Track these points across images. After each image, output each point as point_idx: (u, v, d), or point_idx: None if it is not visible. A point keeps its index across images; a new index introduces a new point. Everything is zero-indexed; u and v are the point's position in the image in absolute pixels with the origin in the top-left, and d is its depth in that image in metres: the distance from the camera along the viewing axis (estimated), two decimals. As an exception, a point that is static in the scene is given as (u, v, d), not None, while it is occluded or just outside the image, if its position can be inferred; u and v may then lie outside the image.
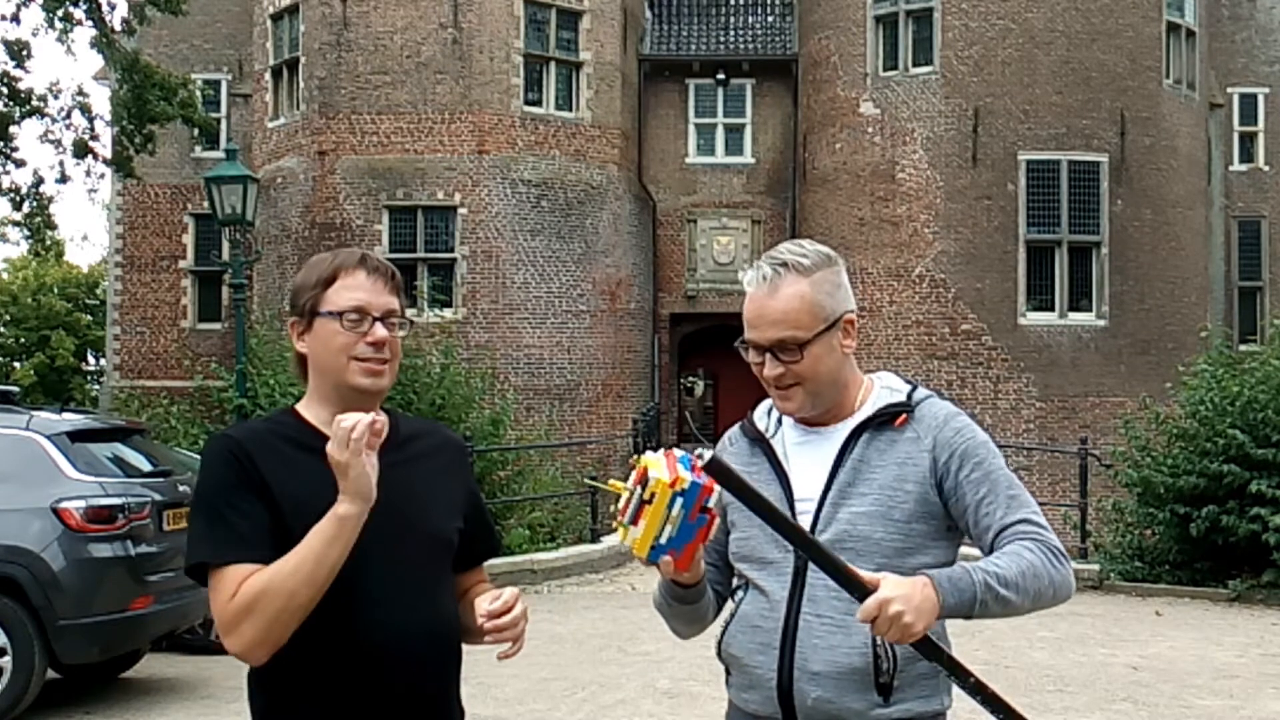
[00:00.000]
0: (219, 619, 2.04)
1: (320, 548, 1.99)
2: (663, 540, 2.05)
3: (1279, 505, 11.20)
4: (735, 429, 2.47)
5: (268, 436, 2.14)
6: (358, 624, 2.05)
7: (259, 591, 1.99)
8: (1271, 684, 8.03)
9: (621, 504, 2.08)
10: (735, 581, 2.39)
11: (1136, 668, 8.33)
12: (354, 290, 2.14)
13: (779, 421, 2.37)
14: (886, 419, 2.29)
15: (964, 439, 2.26)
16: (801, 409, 2.29)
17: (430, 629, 2.14)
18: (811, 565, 2.17)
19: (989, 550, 2.22)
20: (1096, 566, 12.42)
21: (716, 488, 2.02)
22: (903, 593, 1.98)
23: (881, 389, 2.34)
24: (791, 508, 2.25)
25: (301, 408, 2.21)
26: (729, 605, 2.38)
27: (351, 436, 1.97)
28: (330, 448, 1.99)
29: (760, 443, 2.37)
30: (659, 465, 2.05)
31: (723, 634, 2.36)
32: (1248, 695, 7.67)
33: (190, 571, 2.11)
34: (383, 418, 2.00)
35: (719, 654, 2.37)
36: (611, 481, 2.13)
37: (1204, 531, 11.61)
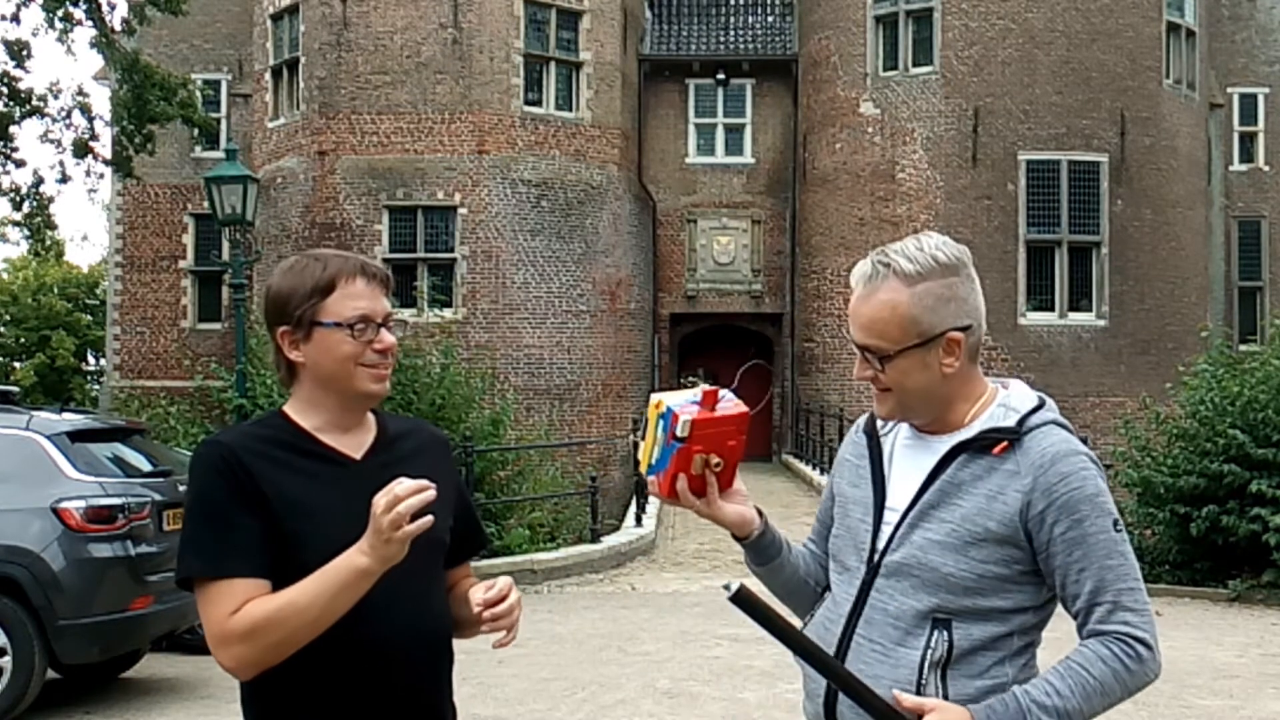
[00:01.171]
0: (212, 631, 2.03)
1: (331, 596, 1.98)
2: (654, 461, 2.15)
3: (1279, 505, 11.21)
4: (865, 417, 2.29)
5: (258, 440, 2.13)
6: (358, 629, 2.04)
7: (262, 619, 1.98)
8: (1271, 684, 8.03)
9: None
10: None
11: (1136, 668, 8.32)
12: (356, 299, 2.14)
13: None
14: (988, 443, 2.07)
15: (1068, 489, 2.00)
16: (891, 415, 2.16)
17: (427, 630, 2.15)
18: (876, 584, 2.10)
19: (1074, 615, 2.10)
20: (1096, 567, 12.40)
21: (683, 418, 2.08)
22: None
23: (997, 406, 2.11)
24: (879, 515, 2.14)
25: (291, 411, 2.19)
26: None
27: (404, 530, 1.93)
28: (379, 510, 1.94)
29: (873, 439, 2.22)
30: (672, 396, 2.17)
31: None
32: (1248, 695, 7.67)
33: (181, 582, 2.10)
34: (431, 488, 1.96)
35: None
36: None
37: (1204, 531, 11.62)
